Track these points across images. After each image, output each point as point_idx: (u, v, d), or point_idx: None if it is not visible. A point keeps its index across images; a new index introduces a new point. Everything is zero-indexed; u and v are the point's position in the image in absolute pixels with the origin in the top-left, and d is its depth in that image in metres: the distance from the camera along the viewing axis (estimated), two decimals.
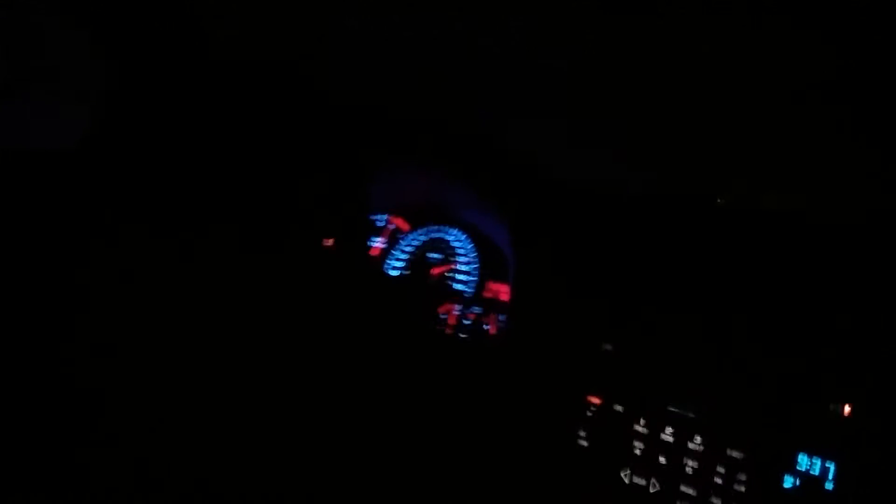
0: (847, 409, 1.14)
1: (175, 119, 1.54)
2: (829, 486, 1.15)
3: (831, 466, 1.15)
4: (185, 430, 1.50)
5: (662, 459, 1.29)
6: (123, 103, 1.52)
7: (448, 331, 1.80)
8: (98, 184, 1.50)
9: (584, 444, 1.38)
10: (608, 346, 1.37)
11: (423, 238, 1.94)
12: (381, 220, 1.99)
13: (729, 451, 1.22)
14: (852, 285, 1.23)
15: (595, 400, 1.37)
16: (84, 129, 1.48)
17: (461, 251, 1.88)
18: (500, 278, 1.82)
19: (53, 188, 1.47)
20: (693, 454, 1.25)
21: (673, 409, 1.29)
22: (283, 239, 1.66)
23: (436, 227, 1.93)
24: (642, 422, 1.31)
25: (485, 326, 1.76)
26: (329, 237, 1.71)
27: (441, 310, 1.82)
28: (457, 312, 1.81)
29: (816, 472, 1.16)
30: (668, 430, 1.28)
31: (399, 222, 1.97)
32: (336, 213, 1.72)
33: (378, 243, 1.98)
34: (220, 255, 1.61)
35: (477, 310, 1.78)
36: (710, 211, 1.44)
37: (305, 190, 1.65)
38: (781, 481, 1.18)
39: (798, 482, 1.17)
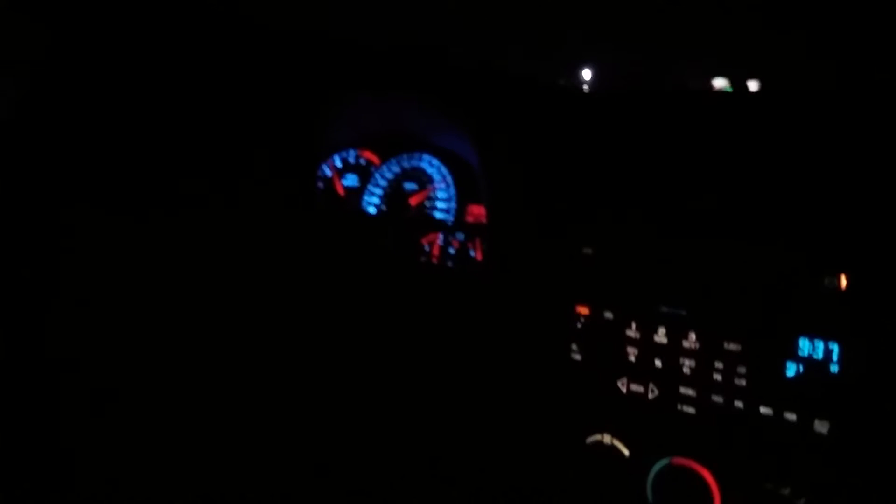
0: (843, 281, 1.04)
1: (112, 71, 1.43)
2: (833, 368, 1.06)
3: (835, 347, 1.06)
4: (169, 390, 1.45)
5: (658, 363, 1.21)
6: (56, 65, 1.41)
7: (434, 261, 1.72)
8: (38, 156, 1.41)
9: (578, 357, 1.30)
10: (588, 251, 1.28)
11: (396, 169, 1.85)
12: (350, 155, 1.89)
13: (726, 345, 1.14)
14: (830, 155, 1.12)
15: (583, 310, 1.29)
16: (14, 101, 1.39)
17: (437, 177, 1.79)
18: (481, 201, 1.72)
19: None
20: (689, 353, 1.17)
21: (664, 309, 1.20)
22: (243, 191, 1.57)
23: (408, 156, 1.83)
24: (633, 326, 1.23)
25: (471, 253, 1.68)
26: (288, 180, 1.62)
27: (424, 241, 1.74)
28: (440, 242, 1.72)
29: (819, 355, 1.08)
30: (661, 331, 1.20)
31: (369, 155, 1.88)
32: (293, 154, 1.62)
33: (351, 181, 1.88)
34: (182, 216, 1.52)
35: (460, 236, 1.69)
36: (678, 100, 1.33)
37: (257, 133, 1.54)
38: (784, 370, 1.09)
39: (801, 368, 1.08)
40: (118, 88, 1.47)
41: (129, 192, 1.46)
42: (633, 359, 1.26)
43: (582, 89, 1.41)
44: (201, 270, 1.50)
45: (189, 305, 1.48)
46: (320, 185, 1.89)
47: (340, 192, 1.87)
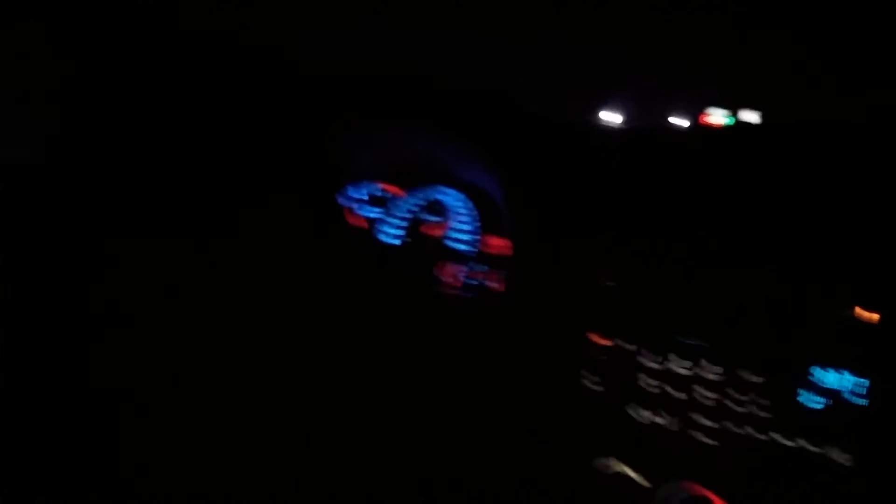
0: (868, 315, 1.03)
1: (143, 103, 1.48)
2: (855, 400, 1.04)
3: (859, 381, 1.04)
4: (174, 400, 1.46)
5: (673, 392, 1.19)
6: (85, 101, 1.46)
7: (454, 292, 1.73)
8: (73, 187, 1.45)
9: (595, 386, 1.29)
10: (610, 283, 1.28)
11: (418, 202, 1.86)
12: (374, 189, 1.92)
13: (745, 376, 1.12)
14: (850, 189, 1.11)
15: (602, 340, 1.28)
16: (45, 135, 1.43)
17: (459, 210, 1.80)
18: (502, 234, 1.73)
19: (22, 197, 1.42)
20: (705, 383, 1.15)
21: (680, 340, 1.19)
22: (268, 220, 1.60)
23: (430, 189, 1.85)
24: (650, 356, 1.21)
25: (489, 283, 1.68)
26: (312, 211, 1.65)
27: (445, 272, 1.74)
28: (462, 274, 1.72)
29: (842, 388, 1.05)
30: (678, 361, 1.18)
31: (393, 189, 1.90)
32: (317, 185, 1.66)
33: (374, 213, 1.90)
34: (210, 244, 1.55)
35: (482, 268, 1.70)
36: (695, 136, 1.34)
37: (282, 164, 1.58)
38: (804, 401, 1.07)
39: (821, 400, 1.06)
40: (147, 120, 1.52)
41: (160, 219, 1.50)
42: (648, 388, 1.25)
43: (603, 126, 1.43)
44: (230, 294, 1.53)
45: (214, 328, 1.50)
46: (343, 215, 1.92)
47: (363, 223, 1.89)
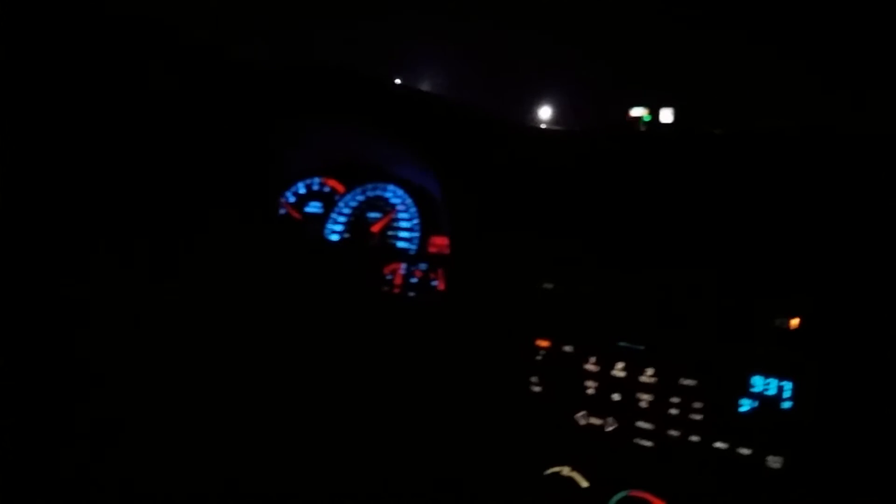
0: (794, 322, 1.08)
1: (64, 90, 1.42)
2: (785, 405, 1.09)
3: (786, 385, 1.10)
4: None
5: (616, 396, 1.23)
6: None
7: (396, 290, 1.73)
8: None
9: (537, 388, 1.31)
10: (549, 285, 1.30)
11: (360, 198, 1.86)
12: (314, 183, 1.90)
13: (682, 381, 1.16)
14: (783, 197, 1.16)
15: (543, 343, 1.31)
16: None
17: (401, 207, 1.80)
18: (444, 232, 1.74)
19: None
20: (646, 387, 1.20)
21: (622, 344, 1.22)
22: (204, 219, 1.56)
23: (372, 185, 1.84)
24: (592, 360, 1.25)
25: (433, 283, 1.69)
26: (249, 207, 1.62)
27: (386, 270, 1.74)
28: (403, 272, 1.73)
29: (772, 392, 1.11)
30: (619, 365, 1.22)
31: (333, 184, 1.88)
32: (253, 181, 1.63)
33: (315, 208, 1.89)
34: (147, 245, 1.51)
35: (423, 266, 1.70)
36: (636, 138, 1.37)
37: (217, 160, 1.54)
38: (738, 406, 1.12)
39: (755, 404, 1.11)
40: (80, 124, 1.46)
41: (103, 224, 1.45)
42: (591, 392, 1.28)
43: (541, 125, 1.44)
44: (169, 297, 1.49)
45: (158, 331, 1.47)
46: (282, 210, 1.90)
47: (298, 217, 1.87)
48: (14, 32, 1.37)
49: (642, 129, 1.54)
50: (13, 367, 1.35)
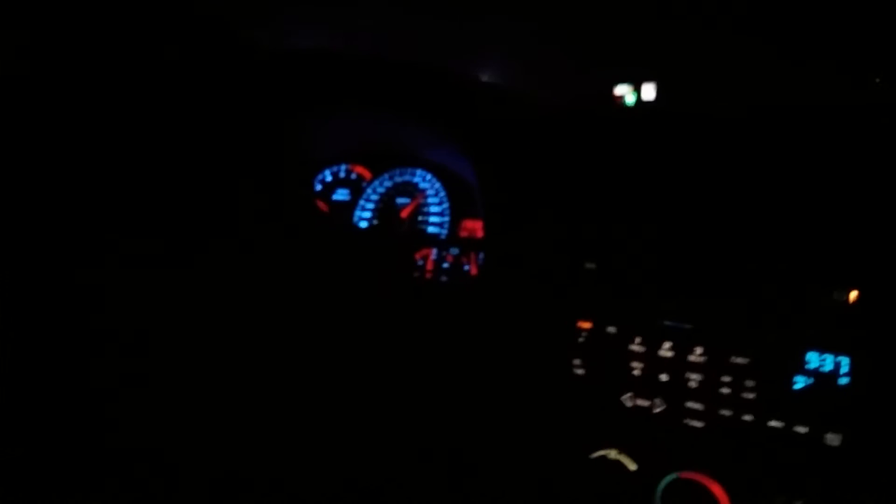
0: (853, 295, 1.04)
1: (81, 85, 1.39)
2: (842, 381, 1.05)
3: (843, 361, 1.06)
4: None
5: (664, 377, 1.19)
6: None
7: (427, 276, 1.70)
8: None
9: (581, 372, 1.28)
10: (591, 266, 1.27)
11: (388, 184, 1.83)
12: (341, 170, 1.87)
13: (733, 359, 1.13)
14: (838, 169, 1.12)
15: (586, 325, 1.28)
16: None
17: (430, 192, 1.77)
18: (475, 215, 1.71)
19: None
20: (695, 367, 1.16)
21: (668, 323, 1.19)
22: (232, 207, 1.53)
23: (400, 170, 1.81)
24: (637, 340, 1.22)
25: (465, 267, 1.66)
26: (276, 195, 1.59)
27: (417, 256, 1.71)
28: (434, 257, 1.70)
29: (828, 368, 1.07)
30: (666, 345, 1.19)
31: (360, 170, 1.85)
32: (280, 169, 1.60)
33: (342, 196, 1.86)
34: (176, 235, 1.49)
35: (454, 251, 1.67)
36: (682, 118, 1.33)
37: (243, 148, 1.52)
38: (792, 383, 1.09)
39: (810, 382, 1.07)
40: (106, 112, 1.44)
41: (127, 212, 1.43)
42: (637, 373, 1.25)
43: (581, 106, 1.41)
44: (197, 287, 1.47)
45: (184, 320, 1.44)
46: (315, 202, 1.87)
47: (325, 207, 1.85)
48: (27, 16, 1.35)
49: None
50: (24, 359, 1.33)
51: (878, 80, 1.23)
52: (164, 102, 1.49)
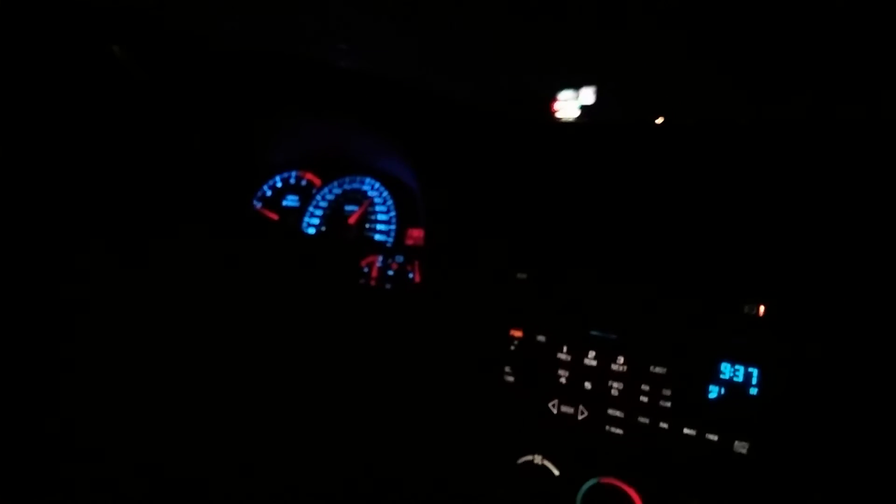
0: (762, 309, 1.10)
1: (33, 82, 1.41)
2: (753, 391, 1.11)
3: (753, 372, 1.12)
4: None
5: (588, 385, 1.24)
6: None
7: (372, 283, 1.74)
8: None
9: (510, 378, 1.33)
10: (522, 276, 1.32)
11: (337, 191, 1.86)
12: (291, 177, 1.90)
13: (652, 368, 1.18)
14: (748, 187, 1.18)
15: (517, 333, 1.32)
16: None
17: (378, 200, 1.81)
18: (420, 224, 1.75)
19: None
20: (617, 376, 1.21)
21: (594, 333, 1.24)
22: (180, 215, 1.56)
23: (349, 178, 1.85)
24: (565, 349, 1.26)
25: (409, 275, 1.70)
26: (226, 201, 1.62)
27: (363, 262, 1.75)
28: (379, 264, 1.73)
29: (740, 378, 1.13)
30: (591, 354, 1.24)
31: (311, 177, 1.89)
32: (231, 175, 1.63)
33: (292, 202, 1.89)
34: (126, 239, 1.50)
35: (399, 258, 1.71)
36: (613, 132, 1.38)
37: (195, 154, 1.54)
38: (706, 392, 1.14)
39: (722, 391, 1.13)
40: (53, 120, 1.46)
41: (78, 220, 1.45)
42: (564, 381, 1.30)
43: (520, 117, 1.45)
44: (147, 290, 1.49)
45: (133, 325, 1.46)
46: (258, 204, 1.90)
47: (273, 214, 1.88)
48: None
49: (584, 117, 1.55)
50: (6, 364, 1.35)
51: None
52: (109, 103, 1.50)
